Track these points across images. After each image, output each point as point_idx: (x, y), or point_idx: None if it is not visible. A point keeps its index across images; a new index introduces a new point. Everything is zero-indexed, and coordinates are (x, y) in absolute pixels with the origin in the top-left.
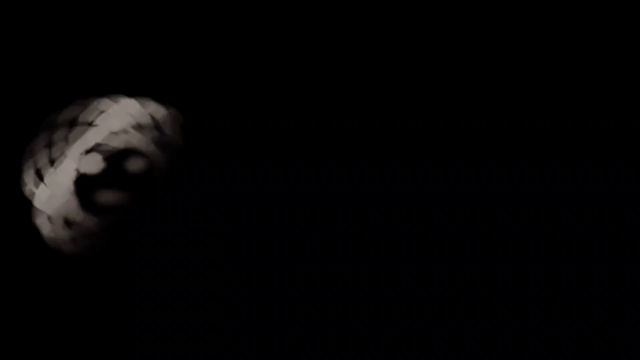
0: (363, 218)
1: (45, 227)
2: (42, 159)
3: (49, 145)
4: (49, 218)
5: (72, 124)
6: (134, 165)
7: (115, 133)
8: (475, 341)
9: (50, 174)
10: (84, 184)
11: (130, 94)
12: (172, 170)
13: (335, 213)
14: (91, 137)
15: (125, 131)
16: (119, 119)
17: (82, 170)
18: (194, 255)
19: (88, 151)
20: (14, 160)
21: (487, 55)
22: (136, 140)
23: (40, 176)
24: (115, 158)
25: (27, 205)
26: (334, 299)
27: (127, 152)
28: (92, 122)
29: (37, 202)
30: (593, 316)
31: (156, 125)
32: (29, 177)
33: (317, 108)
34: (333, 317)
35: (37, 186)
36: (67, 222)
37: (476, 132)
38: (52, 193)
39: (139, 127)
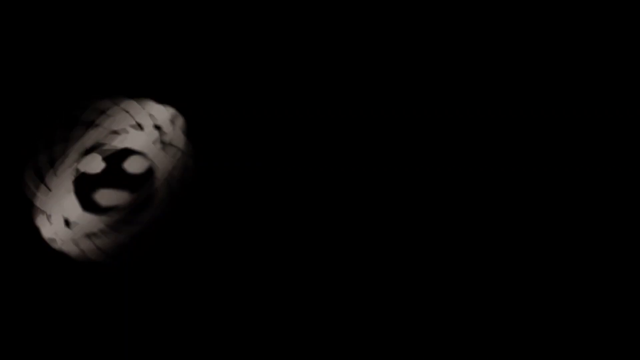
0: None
1: (45, 228)
2: (42, 159)
3: (49, 145)
4: (49, 218)
5: (72, 124)
6: (134, 165)
7: (115, 133)
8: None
9: (50, 174)
10: (84, 184)
11: (131, 94)
12: (173, 171)
13: (334, 215)
14: (91, 137)
15: (125, 131)
16: (120, 119)
17: (82, 170)
18: (197, 258)
19: (88, 151)
20: (14, 160)
21: (485, 57)
22: (137, 140)
23: (40, 176)
24: (115, 158)
25: (27, 206)
26: (339, 306)
27: (127, 152)
28: (92, 122)
29: (38, 202)
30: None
31: (156, 125)
32: (29, 177)
33: (317, 110)
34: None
35: (37, 186)
36: (67, 222)
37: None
38: (52, 193)
39: (139, 127)
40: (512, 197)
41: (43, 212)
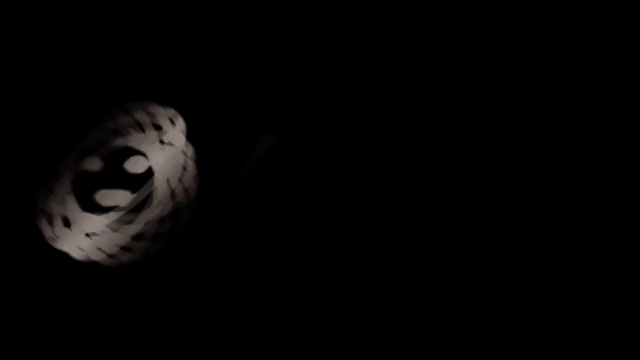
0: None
1: (46, 228)
2: (43, 160)
3: (49, 145)
4: (50, 218)
5: (72, 123)
6: (134, 165)
7: (115, 133)
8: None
9: (50, 175)
10: (84, 184)
11: (131, 94)
12: (173, 171)
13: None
14: (91, 137)
15: (125, 131)
16: (120, 119)
17: (82, 170)
18: (197, 258)
19: (88, 151)
20: (14, 160)
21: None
22: (137, 140)
23: (41, 177)
24: (115, 158)
25: (28, 206)
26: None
27: (127, 152)
28: (92, 122)
29: (38, 203)
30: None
31: (156, 125)
32: (29, 177)
33: (317, 110)
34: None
35: (38, 187)
36: (67, 222)
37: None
38: (52, 193)
39: (139, 127)
40: (512, 197)
41: (43, 212)
